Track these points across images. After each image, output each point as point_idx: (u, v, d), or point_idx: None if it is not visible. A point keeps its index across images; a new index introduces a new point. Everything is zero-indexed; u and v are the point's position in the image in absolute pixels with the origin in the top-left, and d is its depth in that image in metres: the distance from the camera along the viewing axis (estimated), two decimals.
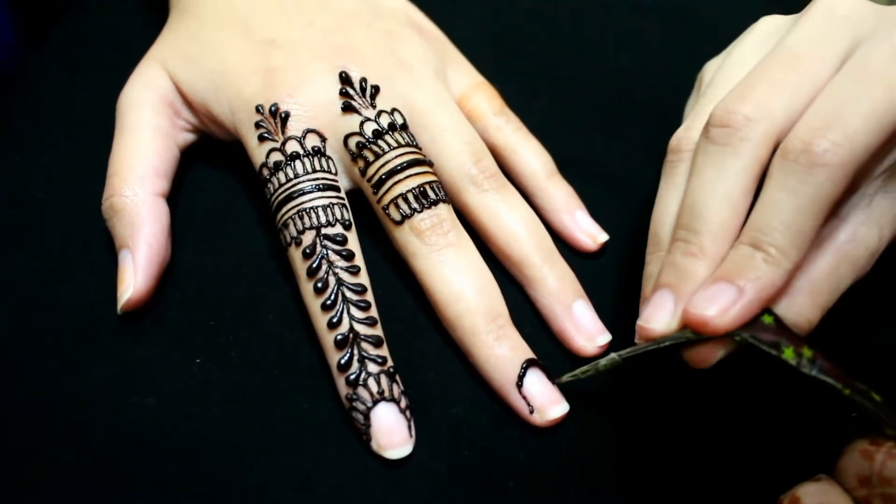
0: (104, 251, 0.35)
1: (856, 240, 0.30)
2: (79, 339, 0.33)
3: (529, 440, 0.32)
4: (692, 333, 0.28)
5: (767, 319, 0.28)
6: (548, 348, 0.33)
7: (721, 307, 0.27)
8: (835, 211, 0.29)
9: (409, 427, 0.31)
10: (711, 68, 0.35)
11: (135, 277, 0.33)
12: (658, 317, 0.28)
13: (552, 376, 0.32)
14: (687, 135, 0.32)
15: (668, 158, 0.32)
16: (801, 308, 0.28)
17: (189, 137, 0.37)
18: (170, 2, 0.39)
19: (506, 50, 0.43)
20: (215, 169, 0.38)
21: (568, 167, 0.38)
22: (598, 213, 0.37)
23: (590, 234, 0.36)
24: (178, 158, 0.36)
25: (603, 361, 0.30)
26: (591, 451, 0.32)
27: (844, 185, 0.27)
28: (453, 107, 0.36)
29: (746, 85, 0.30)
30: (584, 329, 0.33)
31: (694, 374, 0.29)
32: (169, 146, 0.35)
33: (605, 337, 0.33)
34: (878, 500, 0.25)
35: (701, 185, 0.29)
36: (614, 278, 0.36)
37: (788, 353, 0.27)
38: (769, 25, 0.34)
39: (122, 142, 0.35)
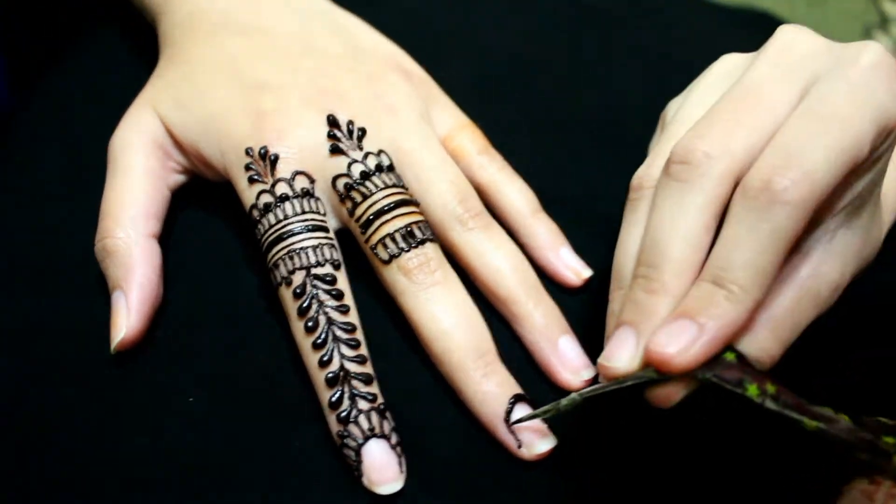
0: (96, 292, 0.35)
1: (818, 275, 0.30)
2: (71, 380, 0.33)
3: (519, 475, 0.32)
4: (654, 372, 0.28)
5: (729, 356, 0.28)
6: (535, 383, 0.34)
7: (682, 345, 0.27)
8: (797, 246, 0.30)
9: (400, 463, 0.31)
10: (673, 107, 0.36)
11: (128, 318, 0.33)
12: (619, 354, 0.28)
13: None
14: (648, 172, 0.32)
15: (630, 196, 0.33)
16: (762, 344, 0.29)
17: (180, 179, 0.37)
18: (160, 45, 0.40)
19: (489, 91, 0.44)
20: (206, 210, 0.38)
21: (552, 205, 0.39)
22: (582, 249, 0.38)
23: (574, 269, 0.37)
24: (168, 200, 0.37)
25: (564, 401, 0.30)
26: (581, 484, 0.33)
27: (804, 222, 0.27)
28: (438, 147, 0.37)
29: (706, 122, 0.30)
30: (570, 364, 0.34)
31: (678, 416, 0.30)
32: (160, 188, 0.36)
33: (589, 371, 0.34)
34: None
35: (661, 222, 0.29)
36: (599, 313, 0.37)
37: (752, 390, 0.27)
38: (728, 64, 0.34)
39: (113, 184, 0.36)
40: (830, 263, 0.30)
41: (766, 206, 0.27)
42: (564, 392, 0.34)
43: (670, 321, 0.27)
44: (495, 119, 0.41)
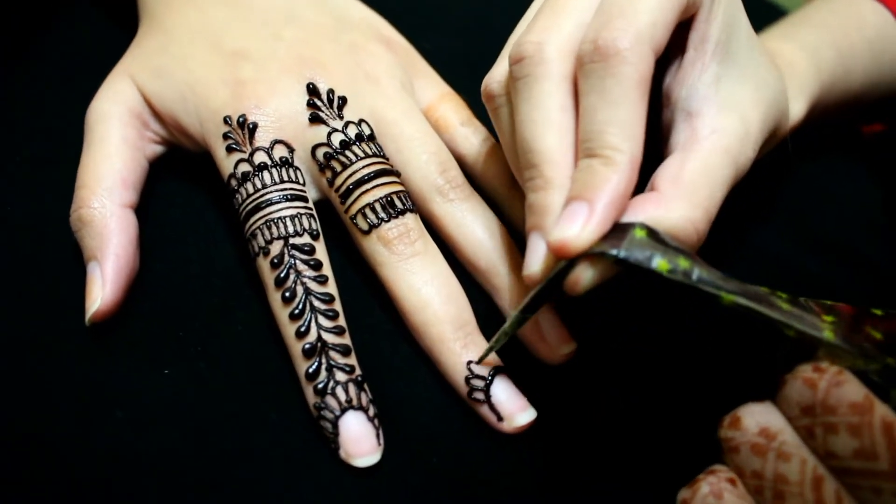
0: (72, 263, 0.34)
1: (719, 129, 0.30)
2: (46, 352, 0.33)
3: (499, 447, 0.32)
4: (565, 262, 0.27)
5: (639, 234, 0.27)
6: (515, 356, 0.34)
7: (577, 226, 0.26)
8: (685, 111, 0.30)
9: (378, 435, 0.31)
10: None
11: (103, 289, 0.32)
12: (533, 260, 0.28)
13: (520, 385, 0.32)
14: (492, 79, 0.33)
15: (489, 109, 0.33)
16: (679, 212, 0.28)
17: (158, 149, 0.37)
18: (139, 15, 0.39)
19: (474, 62, 0.43)
20: (184, 180, 0.38)
21: None
22: None
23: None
24: (146, 170, 0.36)
25: (507, 324, 0.30)
26: (561, 456, 0.32)
27: (646, 66, 0.28)
28: (420, 117, 0.36)
29: (532, 21, 0.31)
30: (550, 338, 0.33)
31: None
32: (137, 158, 0.36)
33: (569, 346, 0.33)
34: (821, 429, 0.24)
35: (521, 123, 0.30)
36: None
37: (662, 265, 0.26)
38: None
39: (90, 154, 0.35)
40: (726, 115, 0.30)
41: (602, 63, 0.27)
42: (545, 365, 0.33)
43: (563, 210, 0.27)
44: (479, 89, 0.41)
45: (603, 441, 0.33)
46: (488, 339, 0.33)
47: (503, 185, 0.37)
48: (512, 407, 0.32)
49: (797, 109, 0.37)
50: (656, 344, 0.35)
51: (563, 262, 0.27)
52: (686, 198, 0.28)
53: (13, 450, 0.30)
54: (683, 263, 0.26)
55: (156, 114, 0.36)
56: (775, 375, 0.27)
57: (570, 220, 0.27)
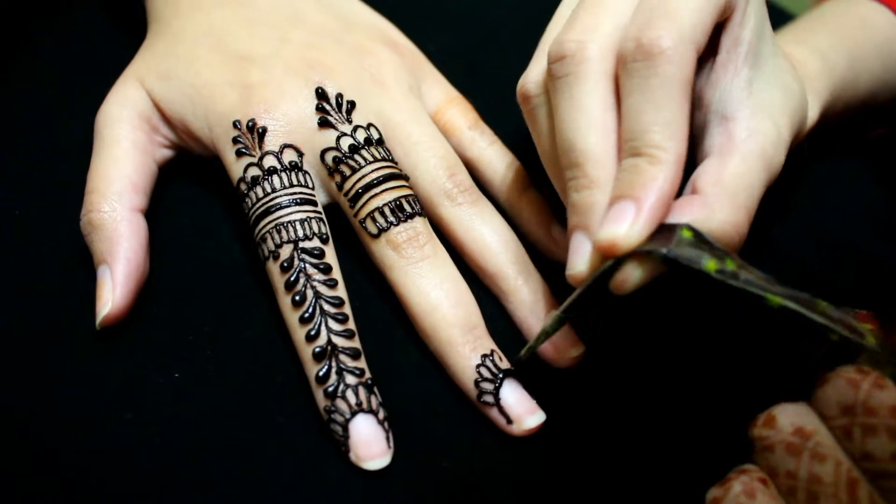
0: (83, 267, 0.35)
1: (753, 133, 0.30)
2: (55, 355, 0.33)
3: (508, 451, 0.32)
4: (611, 262, 0.27)
5: (686, 234, 0.27)
6: (524, 362, 0.34)
7: (625, 225, 0.27)
8: (720, 115, 0.31)
9: (388, 438, 0.31)
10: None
11: (113, 293, 0.33)
12: (578, 260, 0.28)
13: (529, 387, 0.33)
14: (528, 79, 0.33)
15: (524, 110, 0.33)
16: (722, 215, 0.28)
17: (167, 153, 0.37)
18: (147, 19, 0.39)
19: (480, 64, 0.44)
20: (194, 185, 0.38)
21: (544, 180, 0.38)
22: None
23: (565, 246, 0.36)
24: (155, 174, 0.36)
25: (548, 322, 0.31)
26: (572, 460, 0.32)
27: (689, 67, 0.28)
28: (427, 121, 0.36)
29: (571, 19, 0.31)
30: (557, 341, 0.33)
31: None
32: (147, 162, 0.36)
33: (577, 349, 0.33)
34: (859, 430, 0.25)
35: (562, 122, 0.30)
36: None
37: (711, 265, 0.26)
38: None
39: (99, 158, 0.35)
40: (760, 119, 0.30)
41: (646, 63, 0.28)
42: (552, 368, 0.34)
43: (609, 209, 0.27)
44: (487, 93, 0.41)
45: (620, 442, 0.33)
46: (497, 342, 0.33)
47: (511, 190, 0.37)
48: (521, 410, 0.32)
49: (811, 114, 0.38)
50: (676, 343, 0.35)
51: (609, 261, 0.28)
52: (729, 200, 0.29)
53: (22, 450, 0.30)
54: (731, 265, 0.27)
55: (165, 117, 0.36)
56: (811, 376, 0.27)
57: (618, 219, 0.27)
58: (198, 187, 0.38)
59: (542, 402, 0.32)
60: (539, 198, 0.37)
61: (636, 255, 0.27)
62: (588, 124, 0.29)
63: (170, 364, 0.33)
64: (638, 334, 0.35)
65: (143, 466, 0.30)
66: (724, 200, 0.29)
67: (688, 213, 0.28)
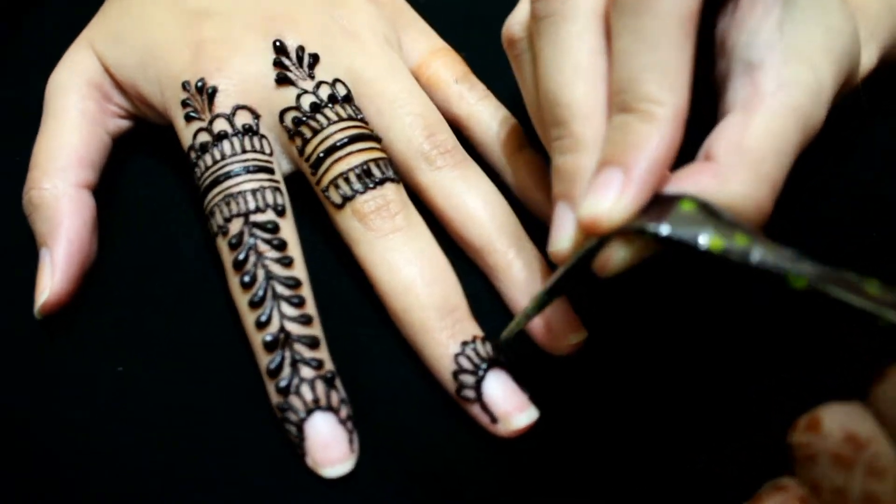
0: (28, 251, 0.31)
1: (785, 84, 0.24)
2: (6, 346, 0.30)
3: (489, 447, 0.27)
4: (595, 240, 0.23)
5: (686, 207, 0.22)
6: (516, 348, 0.29)
7: (609, 197, 0.22)
8: (745, 62, 0.25)
9: (351, 440, 0.27)
10: None
11: (52, 278, 0.29)
12: (560, 235, 0.24)
13: (520, 379, 0.28)
14: (514, 20, 0.28)
15: (510, 56, 0.29)
16: (741, 188, 0.23)
17: (122, 123, 0.33)
18: None
19: (477, 17, 0.38)
20: (152, 157, 0.34)
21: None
22: None
23: None
24: (108, 146, 0.33)
25: (530, 305, 0.26)
26: (558, 456, 0.27)
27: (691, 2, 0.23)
28: (405, 75, 0.32)
29: None
30: (554, 324, 0.28)
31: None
32: (97, 133, 0.32)
33: (577, 334, 0.28)
34: None
35: (546, 70, 0.25)
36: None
37: (714, 244, 0.21)
38: None
39: (45, 130, 0.32)
40: (795, 66, 0.24)
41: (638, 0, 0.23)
42: (546, 354, 0.29)
43: (594, 177, 0.23)
44: (484, 48, 0.36)
45: (625, 446, 0.28)
46: (486, 328, 0.28)
47: (504, 150, 0.32)
48: (508, 406, 0.27)
49: (868, 57, 0.31)
50: (695, 330, 0.30)
51: (594, 239, 0.23)
52: (749, 169, 0.23)
53: None
54: (741, 241, 0.21)
55: (117, 84, 0.33)
56: (865, 370, 0.22)
57: (602, 191, 0.22)
58: (158, 160, 0.34)
59: (534, 397, 0.27)
60: (537, 158, 0.32)
61: (624, 232, 0.22)
62: (574, 73, 0.24)
63: (117, 353, 0.29)
64: (647, 317, 0.30)
65: (90, 464, 0.27)
66: (743, 169, 0.23)
67: (694, 184, 0.23)
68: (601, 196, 0.22)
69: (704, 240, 0.21)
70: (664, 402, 0.28)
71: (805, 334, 0.29)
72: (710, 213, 0.22)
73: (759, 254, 0.21)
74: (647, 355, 0.29)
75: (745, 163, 0.23)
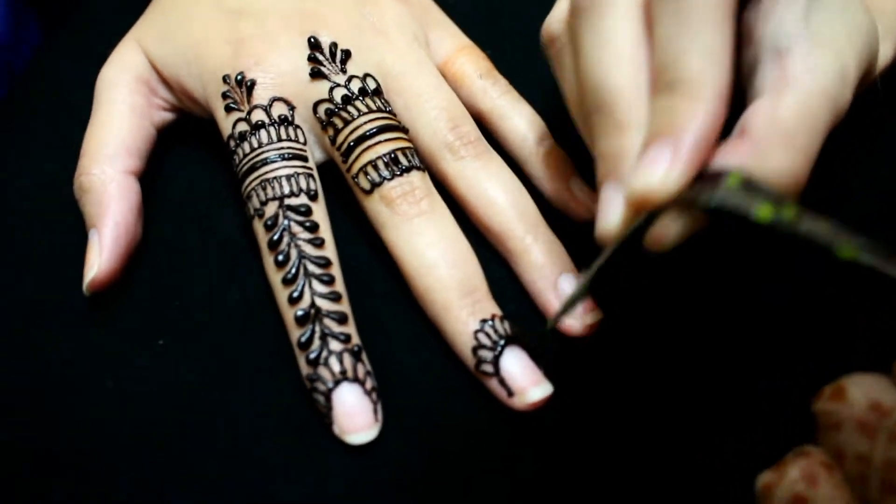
0: (77, 234, 0.33)
1: (814, 68, 0.25)
2: (42, 320, 0.32)
3: (508, 426, 0.29)
4: (645, 216, 0.23)
5: (734, 181, 0.23)
6: (532, 327, 0.30)
7: (660, 170, 0.23)
8: (773, 50, 0.25)
9: (375, 410, 0.28)
10: None
11: (100, 257, 0.31)
12: (609, 215, 0.24)
13: (536, 355, 0.29)
14: (553, 18, 0.29)
15: (549, 55, 0.29)
16: (779, 161, 0.23)
17: (167, 116, 0.36)
18: None
19: (503, 15, 0.40)
20: (196, 149, 0.36)
21: (567, 134, 0.34)
22: (593, 181, 0.33)
23: (584, 202, 0.33)
24: (153, 137, 0.35)
25: (575, 290, 0.26)
26: (577, 437, 0.29)
27: None
28: (431, 71, 0.33)
29: None
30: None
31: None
32: (143, 125, 0.34)
33: (592, 315, 0.30)
34: None
35: (588, 60, 0.25)
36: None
37: (764, 213, 0.22)
38: None
39: (95, 121, 0.34)
40: (820, 53, 0.25)
41: None
42: (563, 335, 0.30)
43: (642, 154, 0.23)
44: (510, 46, 0.38)
45: (646, 418, 0.29)
46: (502, 307, 0.30)
47: (526, 142, 0.34)
48: (524, 381, 0.28)
49: (884, 52, 0.32)
50: (717, 302, 0.31)
51: (643, 216, 0.24)
52: (785, 142, 0.24)
53: (4, 421, 0.29)
54: (789, 213, 0.22)
55: (163, 79, 0.35)
56: (891, 343, 0.23)
57: (652, 165, 0.23)
58: (201, 151, 0.36)
59: (550, 374, 0.29)
60: (557, 150, 0.33)
61: (675, 206, 0.23)
62: (616, 60, 0.25)
63: (156, 331, 0.31)
64: (669, 292, 0.31)
65: (124, 436, 0.29)
66: (778, 142, 0.24)
67: (734, 159, 0.23)
68: (652, 170, 0.23)
69: (755, 210, 0.22)
70: (683, 376, 0.29)
71: (832, 308, 0.30)
72: (754, 188, 0.23)
73: (808, 223, 0.22)
74: (666, 328, 0.30)
75: (781, 136, 0.24)
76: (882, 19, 0.32)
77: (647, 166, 0.23)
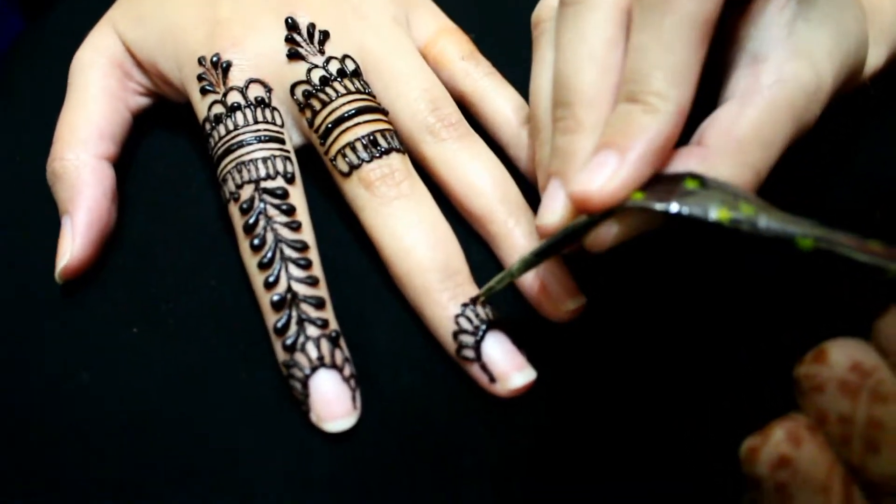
0: (49, 219, 0.33)
1: (783, 79, 0.25)
2: (17, 309, 0.31)
3: (489, 412, 0.28)
4: (589, 217, 0.24)
5: (691, 185, 0.23)
6: (515, 311, 0.30)
7: (603, 178, 0.23)
8: (751, 55, 0.26)
9: (354, 397, 0.28)
10: None
11: (73, 243, 0.31)
12: (551, 209, 0.25)
13: (519, 340, 0.28)
14: (545, 3, 0.29)
15: (533, 35, 0.30)
16: (727, 172, 0.24)
17: (142, 101, 0.35)
18: None
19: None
20: (172, 133, 0.35)
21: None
22: None
23: None
24: (129, 122, 0.34)
25: (516, 265, 0.27)
26: (558, 423, 0.28)
27: (715, 4, 0.23)
28: (412, 52, 0.33)
29: None
30: (553, 291, 0.29)
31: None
32: (118, 109, 0.34)
33: (576, 300, 0.29)
34: None
35: (563, 51, 0.26)
36: None
37: (723, 215, 0.22)
38: None
39: (69, 106, 0.33)
40: (796, 64, 0.25)
41: None
42: (547, 321, 0.29)
43: (592, 157, 0.24)
44: (498, 32, 0.37)
45: (630, 396, 0.28)
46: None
47: (508, 125, 0.33)
48: (506, 366, 0.28)
49: (876, 56, 0.32)
50: (694, 287, 0.31)
51: (583, 217, 0.24)
52: (736, 156, 0.24)
53: None
54: (747, 210, 0.22)
55: (137, 62, 0.34)
56: (867, 315, 0.22)
57: (596, 170, 0.23)
58: (177, 136, 0.35)
59: (533, 357, 0.28)
60: None
61: (629, 210, 0.23)
62: (588, 60, 0.25)
63: (130, 318, 0.30)
64: (647, 280, 0.30)
65: (100, 426, 0.28)
66: (728, 155, 0.24)
67: (683, 166, 0.24)
68: (594, 175, 0.23)
69: (713, 213, 0.22)
70: (668, 349, 0.29)
71: (804, 292, 0.30)
72: (713, 185, 0.23)
73: (765, 220, 0.22)
74: (650, 301, 0.30)
75: (732, 151, 0.24)
76: (877, 24, 0.31)
77: (591, 170, 0.23)
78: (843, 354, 0.21)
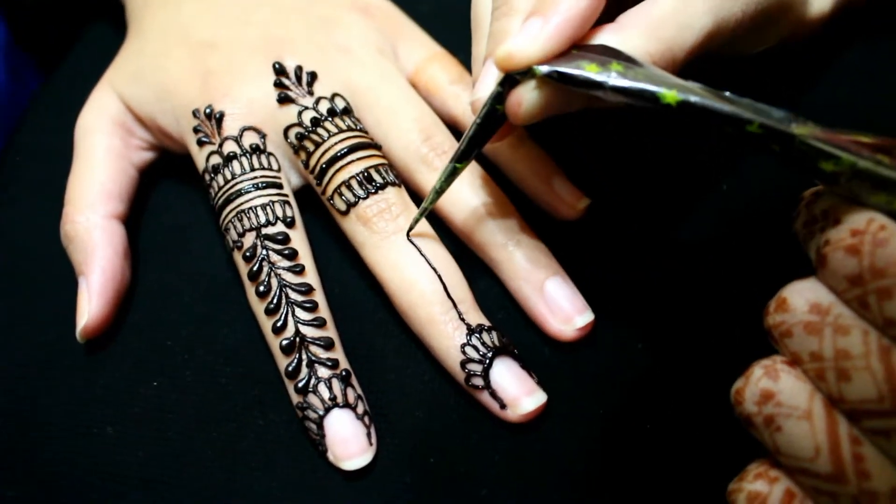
0: (68, 280, 0.34)
1: None
2: (40, 369, 0.32)
3: (502, 441, 0.28)
4: (501, 86, 0.25)
5: (616, 67, 0.24)
6: (523, 335, 0.30)
7: (527, 39, 0.24)
8: None
9: (369, 435, 0.28)
10: None
11: (89, 304, 0.31)
12: (484, 84, 0.26)
13: (526, 364, 0.28)
14: None
15: None
16: (636, 43, 0.25)
17: (147, 156, 0.36)
18: (126, 20, 0.38)
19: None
20: (179, 186, 0.36)
21: (546, 133, 0.34)
22: (577, 179, 0.33)
23: (568, 201, 0.32)
24: (135, 179, 0.35)
25: (439, 178, 0.28)
26: (572, 450, 0.28)
27: None
28: (400, 83, 0.33)
29: None
30: (560, 310, 0.29)
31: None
32: (124, 168, 0.34)
33: (584, 317, 0.29)
34: (874, 297, 0.21)
35: None
36: (599, 246, 0.32)
37: (591, 67, 0.23)
38: None
39: (76, 169, 0.34)
40: None
41: None
42: (556, 342, 0.29)
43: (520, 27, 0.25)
44: None
45: (622, 439, 0.28)
46: (490, 317, 0.29)
47: (503, 145, 0.33)
48: (516, 391, 0.28)
49: (819, 4, 0.32)
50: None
51: (498, 87, 0.25)
52: (648, 31, 0.25)
53: (7, 467, 0.30)
54: (617, 66, 0.24)
55: (138, 119, 0.35)
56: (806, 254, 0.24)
57: (522, 34, 0.24)
58: (184, 187, 0.36)
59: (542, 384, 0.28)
60: (537, 149, 0.33)
61: (534, 78, 0.24)
62: None
63: (149, 372, 0.31)
64: (648, 287, 0.30)
65: (125, 481, 0.29)
66: (641, 28, 0.25)
67: (597, 40, 0.25)
68: (521, 38, 0.24)
69: (582, 66, 0.24)
70: (668, 379, 0.29)
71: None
72: (609, 52, 0.24)
73: (630, 76, 0.23)
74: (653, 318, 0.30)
75: (645, 24, 0.25)
76: None
77: (518, 35, 0.24)
78: (800, 298, 0.23)
